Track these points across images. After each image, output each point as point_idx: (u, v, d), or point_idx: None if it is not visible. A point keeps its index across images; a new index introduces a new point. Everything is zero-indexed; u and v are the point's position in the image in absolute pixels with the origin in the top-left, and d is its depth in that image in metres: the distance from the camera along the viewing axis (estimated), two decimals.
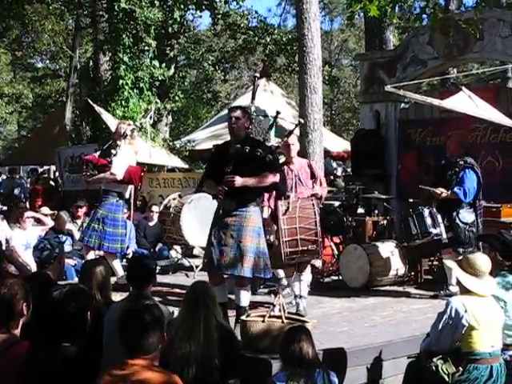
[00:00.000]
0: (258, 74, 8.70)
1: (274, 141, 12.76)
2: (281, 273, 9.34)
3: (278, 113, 8.88)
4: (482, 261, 6.23)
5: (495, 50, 12.47)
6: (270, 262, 7.75)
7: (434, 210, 9.95)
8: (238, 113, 7.84)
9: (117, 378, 4.18)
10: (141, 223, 13.59)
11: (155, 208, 13.58)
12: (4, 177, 27.29)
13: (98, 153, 10.81)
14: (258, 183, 7.65)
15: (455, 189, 9.82)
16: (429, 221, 9.95)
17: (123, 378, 4.17)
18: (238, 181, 7.51)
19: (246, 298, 7.74)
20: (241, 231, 7.56)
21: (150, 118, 13.66)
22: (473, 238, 9.78)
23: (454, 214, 9.85)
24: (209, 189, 8.21)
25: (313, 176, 9.45)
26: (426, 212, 9.99)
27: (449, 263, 6.60)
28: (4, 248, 10.12)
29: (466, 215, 9.85)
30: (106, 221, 9.96)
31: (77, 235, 11.76)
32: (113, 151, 10.17)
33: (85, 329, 4.68)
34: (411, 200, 10.70)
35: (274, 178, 7.73)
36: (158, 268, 11.62)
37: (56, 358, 4.34)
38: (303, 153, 13.08)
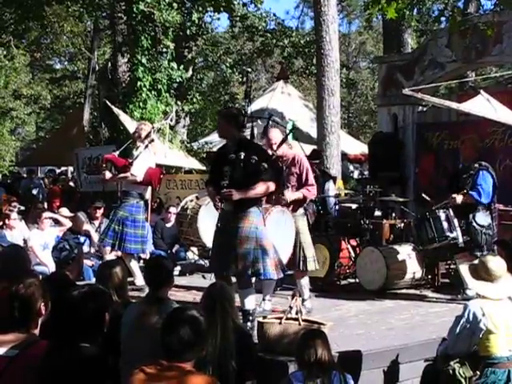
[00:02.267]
0: (249, 69, 8.71)
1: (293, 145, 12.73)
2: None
3: (270, 115, 8.86)
4: (496, 264, 6.19)
5: None
6: (273, 262, 7.68)
7: (451, 213, 9.93)
8: (219, 118, 8.15)
9: (152, 376, 4.19)
10: (158, 224, 13.61)
11: (173, 209, 13.59)
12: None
13: (118, 152, 10.87)
14: (255, 195, 7.62)
15: (471, 192, 9.80)
16: (445, 224, 9.93)
17: (161, 377, 4.19)
18: (235, 196, 7.51)
19: (249, 299, 7.68)
20: (237, 232, 7.55)
21: (171, 120, 13.70)
22: (489, 240, 9.76)
23: (471, 216, 9.81)
24: (210, 197, 8.27)
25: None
26: (443, 215, 9.96)
27: (462, 268, 6.57)
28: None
29: (483, 218, 9.81)
30: (127, 222, 9.98)
31: (94, 236, 11.80)
32: (134, 152, 10.21)
33: (103, 329, 4.69)
34: (428, 198, 10.61)
35: (270, 188, 7.69)
36: (177, 270, 11.67)
37: (74, 359, 4.35)
38: (321, 155, 13.11)
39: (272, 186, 7.69)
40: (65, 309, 4.59)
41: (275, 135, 9.00)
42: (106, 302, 4.77)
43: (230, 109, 8.34)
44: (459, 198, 9.87)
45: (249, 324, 7.48)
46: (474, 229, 9.80)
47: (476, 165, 9.97)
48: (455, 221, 9.91)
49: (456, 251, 10.10)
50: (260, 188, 7.59)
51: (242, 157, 7.53)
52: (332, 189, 11.74)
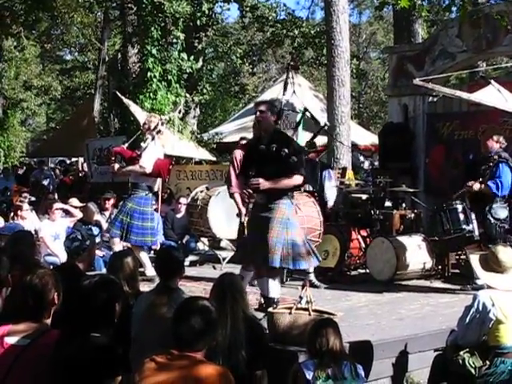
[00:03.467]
0: (292, 63, 8.61)
1: (301, 135, 12.72)
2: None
3: (305, 109, 8.81)
4: (506, 255, 6.20)
5: None
6: (301, 254, 7.71)
7: (468, 205, 9.91)
8: (263, 107, 7.83)
9: (163, 366, 4.22)
10: (168, 215, 13.63)
11: (183, 200, 13.62)
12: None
13: (127, 145, 10.89)
14: (283, 186, 7.62)
15: (489, 182, 9.78)
16: (462, 217, 9.93)
17: (172, 367, 4.21)
18: (263, 185, 7.52)
19: (274, 288, 7.72)
20: (269, 223, 7.57)
21: (180, 111, 13.72)
22: (504, 234, 9.74)
23: (487, 209, 9.78)
24: (236, 188, 8.24)
25: None
26: (460, 208, 9.96)
27: (472, 258, 6.57)
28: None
29: (499, 211, 9.77)
30: (135, 214, 10.02)
31: (105, 226, 11.84)
32: (142, 144, 10.23)
33: (114, 319, 4.72)
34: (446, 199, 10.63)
35: (298, 181, 7.71)
36: (187, 262, 11.68)
37: (85, 348, 4.38)
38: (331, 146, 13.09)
39: (299, 179, 7.72)
40: (76, 299, 4.62)
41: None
42: (117, 291, 4.80)
43: (271, 101, 8.23)
44: (476, 186, 9.85)
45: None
46: (489, 222, 9.77)
47: (496, 156, 9.94)
48: (472, 214, 9.90)
49: (470, 243, 10.09)
50: (288, 180, 7.60)
51: (274, 149, 7.54)
52: (329, 178, 11.63)
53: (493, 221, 9.75)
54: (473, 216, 9.94)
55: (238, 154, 8.97)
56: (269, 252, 7.50)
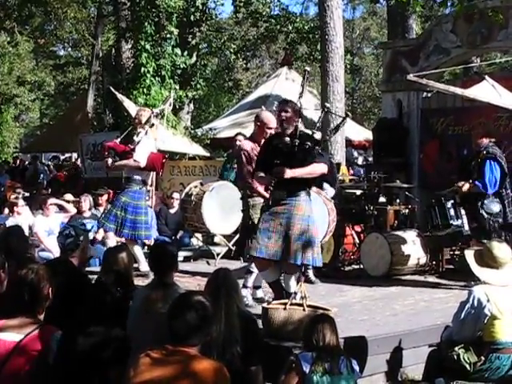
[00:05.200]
0: (308, 68, 8.49)
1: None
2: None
3: (347, 115, 8.79)
4: (501, 251, 6.20)
5: None
6: (319, 250, 7.73)
7: (457, 201, 9.91)
8: (287, 107, 7.77)
9: (158, 361, 4.21)
10: (162, 210, 13.62)
11: (176, 195, 13.61)
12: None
13: (119, 139, 10.86)
14: (308, 174, 7.62)
15: (476, 182, 9.79)
16: (451, 212, 9.93)
17: (166, 362, 4.20)
18: (288, 172, 7.49)
19: (294, 284, 7.75)
20: (290, 219, 7.53)
21: (170, 104, 13.68)
22: (497, 228, 9.74)
23: (479, 204, 9.79)
24: (259, 180, 8.16)
25: None
26: (449, 203, 9.97)
27: (467, 254, 6.56)
28: (27, 234, 10.19)
29: (491, 205, 9.78)
30: (128, 208, 10.00)
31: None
32: (135, 138, 10.21)
33: (108, 313, 4.73)
34: (437, 193, 10.64)
35: (322, 169, 7.71)
36: (181, 257, 11.66)
37: (86, 343, 4.37)
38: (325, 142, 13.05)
39: (324, 167, 7.72)
40: (76, 295, 4.63)
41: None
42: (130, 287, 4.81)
43: (293, 102, 8.15)
44: (465, 187, 9.86)
45: None
46: (482, 216, 9.78)
47: (484, 152, 9.94)
48: (461, 209, 9.91)
49: (463, 238, 10.10)
50: (312, 167, 7.59)
51: (297, 143, 7.54)
52: None
53: (486, 215, 9.76)
54: (462, 212, 9.94)
55: (250, 148, 8.71)
56: (290, 249, 7.51)
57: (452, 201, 10.01)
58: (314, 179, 7.94)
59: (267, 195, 7.87)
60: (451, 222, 9.94)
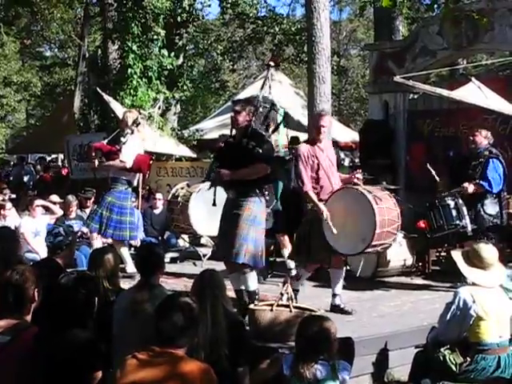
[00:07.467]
0: (272, 63, 8.59)
1: (282, 132, 12.67)
2: (291, 263, 9.46)
3: (285, 113, 8.77)
4: (488, 252, 6.20)
5: (505, 40, 12.46)
6: (262, 252, 7.86)
7: (460, 201, 9.91)
8: (238, 107, 7.98)
9: (145, 362, 4.20)
10: (146, 212, 13.61)
11: (159, 196, 13.63)
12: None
13: (106, 140, 10.85)
14: (246, 175, 7.74)
15: (481, 182, 9.81)
16: (454, 212, 9.93)
17: (153, 363, 4.19)
18: (225, 175, 7.70)
19: (251, 281, 7.86)
20: (237, 219, 7.71)
21: (159, 108, 13.67)
22: (497, 229, 9.78)
23: (479, 205, 9.83)
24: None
25: None
26: (452, 203, 9.96)
27: (454, 255, 6.57)
28: None
29: (491, 207, 9.84)
30: (114, 208, 10.03)
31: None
32: (122, 139, 10.21)
33: (92, 315, 4.72)
34: (433, 171, 10.61)
35: (260, 169, 7.78)
36: (168, 259, 11.64)
37: (64, 345, 4.37)
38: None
39: (262, 168, 7.79)
40: (55, 295, 4.60)
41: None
42: (95, 287, 4.79)
43: (247, 100, 8.26)
44: (471, 188, 9.86)
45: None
46: (482, 218, 9.83)
47: (486, 152, 9.96)
48: (464, 209, 9.93)
49: (463, 239, 10.09)
50: (248, 169, 7.71)
51: (244, 143, 7.60)
52: None
53: (486, 217, 9.81)
54: (465, 211, 9.95)
55: (306, 150, 8.50)
56: (233, 248, 7.64)
57: (455, 201, 10.00)
58: (263, 179, 7.96)
59: (321, 205, 7.96)
60: (457, 222, 9.92)
